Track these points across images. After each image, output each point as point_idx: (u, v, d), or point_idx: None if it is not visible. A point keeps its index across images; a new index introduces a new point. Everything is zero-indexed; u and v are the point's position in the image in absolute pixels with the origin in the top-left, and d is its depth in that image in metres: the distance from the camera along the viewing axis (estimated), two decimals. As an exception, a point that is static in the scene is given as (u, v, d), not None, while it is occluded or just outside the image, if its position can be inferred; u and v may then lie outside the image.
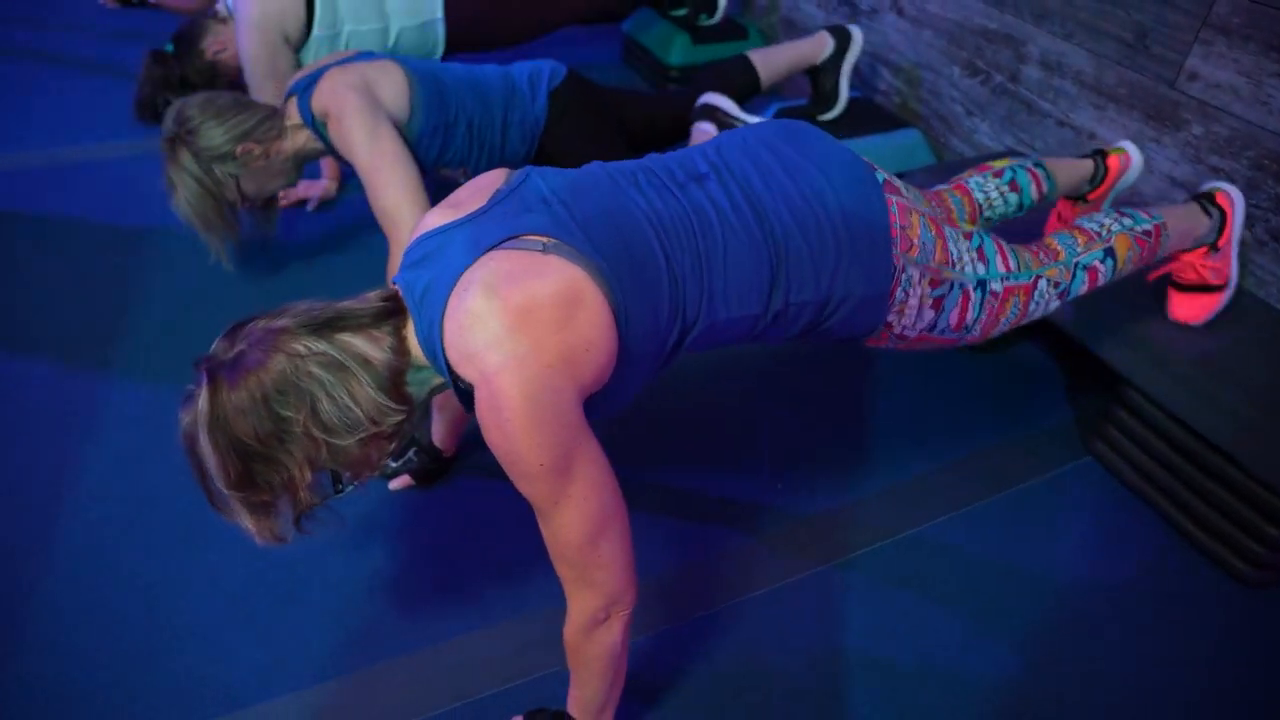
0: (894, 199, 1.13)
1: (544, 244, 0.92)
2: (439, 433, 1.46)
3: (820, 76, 2.26)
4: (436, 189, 1.72)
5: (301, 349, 0.88)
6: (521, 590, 1.33)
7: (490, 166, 1.87)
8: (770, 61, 2.17)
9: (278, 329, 0.89)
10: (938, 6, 2.26)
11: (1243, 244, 1.67)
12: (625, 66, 3.04)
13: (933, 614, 1.35)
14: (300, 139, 1.71)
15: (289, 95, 1.71)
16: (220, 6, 2.26)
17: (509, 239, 0.92)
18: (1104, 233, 1.34)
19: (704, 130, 1.98)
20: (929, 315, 1.16)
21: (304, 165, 1.78)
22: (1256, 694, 1.28)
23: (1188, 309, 1.56)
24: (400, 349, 0.94)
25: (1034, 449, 1.67)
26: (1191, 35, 1.70)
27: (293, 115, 1.69)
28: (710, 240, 1.01)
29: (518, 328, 0.86)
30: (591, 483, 0.90)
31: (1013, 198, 1.45)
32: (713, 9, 2.74)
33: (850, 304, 1.09)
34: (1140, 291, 1.62)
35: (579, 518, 0.90)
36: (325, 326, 0.90)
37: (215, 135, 1.61)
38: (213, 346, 0.90)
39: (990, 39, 2.13)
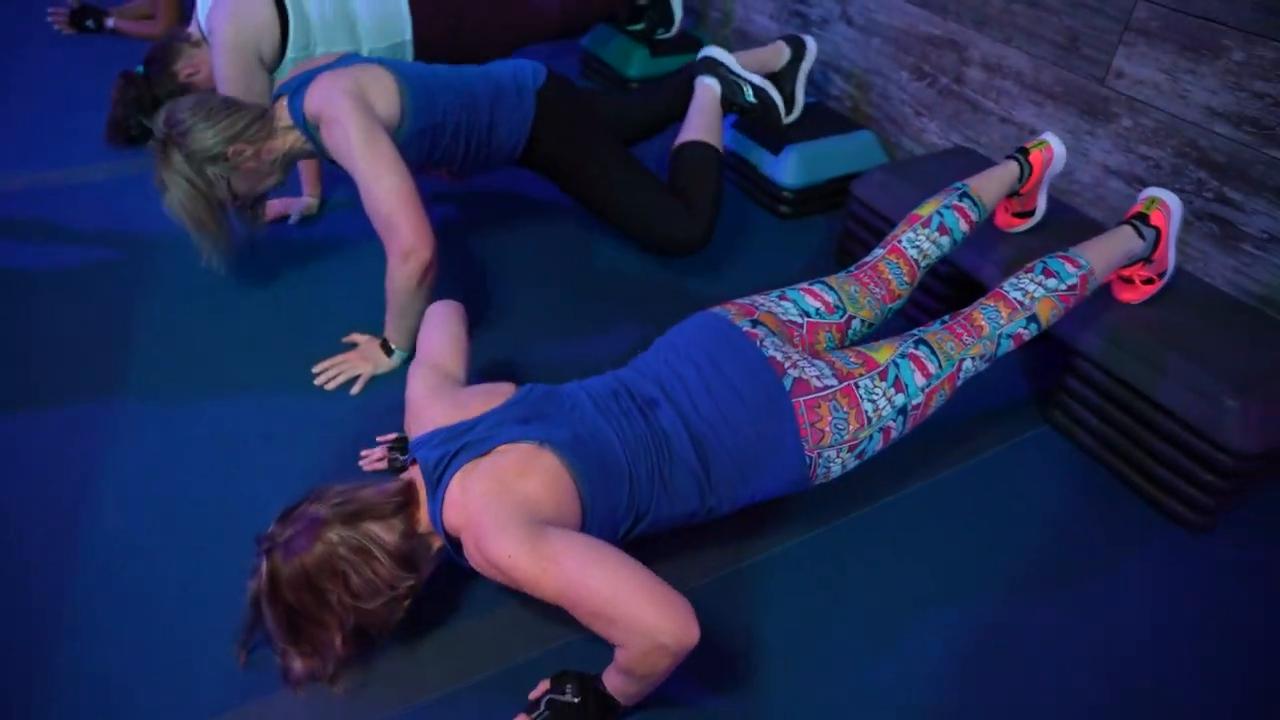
0: (800, 400, 1.31)
1: (539, 444, 1.19)
2: None
3: (777, 83, 2.38)
4: (425, 187, 1.80)
5: (335, 537, 1.14)
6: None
7: (477, 164, 1.95)
8: (749, 65, 2.28)
9: (319, 520, 1.15)
10: (885, 15, 2.42)
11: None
12: (584, 80, 3.14)
13: (911, 571, 1.47)
14: (290, 139, 1.74)
15: (278, 96, 1.76)
16: (193, 30, 2.30)
17: (508, 443, 1.19)
18: (1027, 301, 1.49)
19: (706, 85, 2.15)
20: (851, 462, 1.38)
21: (294, 165, 1.82)
22: (1210, 625, 1.42)
23: (1129, 295, 1.72)
24: (409, 532, 1.19)
25: (995, 421, 1.81)
26: (1116, 38, 1.87)
27: (283, 117, 1.73)
28: (661, 459, 1.27)
29: (503, 494, 1.13)
30: (565, 543, 1.09)
31: (944, 240, 1.60)
32: (670, 23, 2.86)
33: (773, 491, 1.35)
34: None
35: (564, 571, 1.07)
36: (354, 518, 1.16)
37: (206, 137, 1.64)
38: (270, 528, 1.16)
39: (935, 44, 2.29)
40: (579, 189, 2.06)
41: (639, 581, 1.04)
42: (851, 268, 1.59)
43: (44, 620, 1.29)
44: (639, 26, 2.92)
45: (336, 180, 2.35)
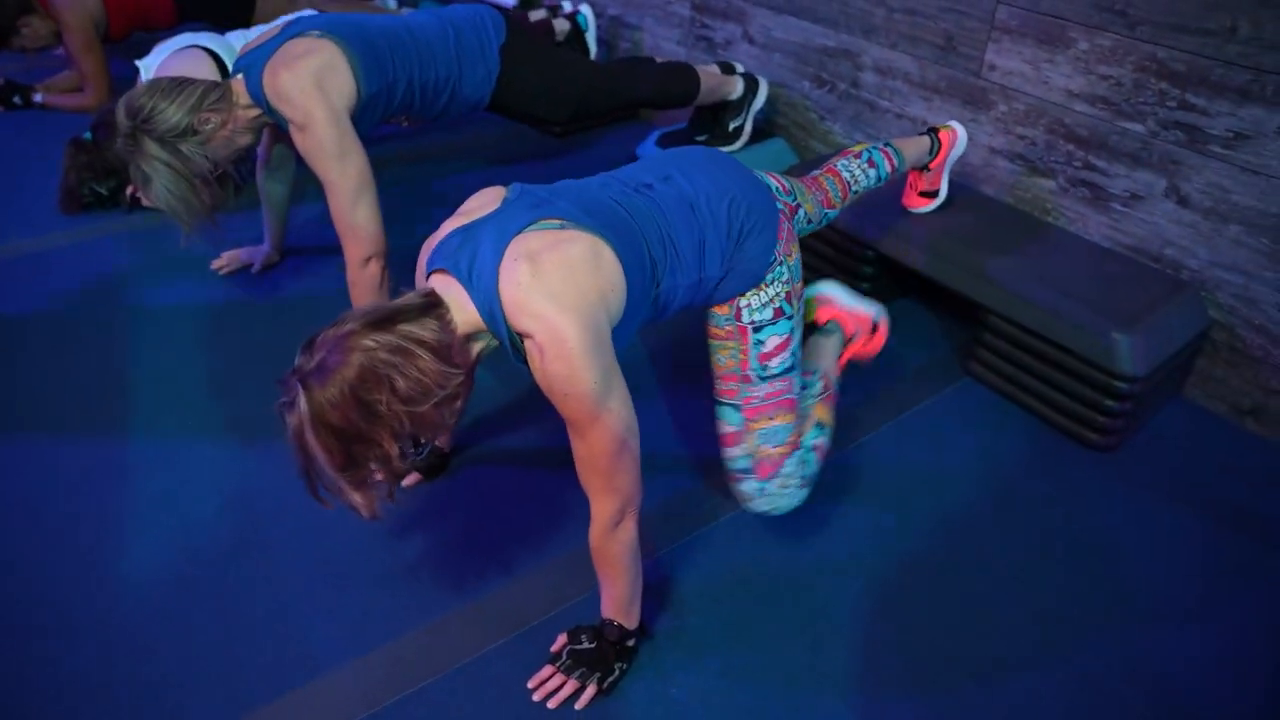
0: (784, 221, 1.45)
1: (560, 224, 1.19)
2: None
3: (726, 114, 2.56)
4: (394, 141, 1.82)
5: (371, 343, 1.07)
6: (540, 544, 1.57)
7: (436, 113, 2.02)
8: (707, 84, 2.43)
9: (347, 332, 1.08)
10: (782, 33, 2.68)
11: (1051, 192, 2.11)
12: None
13: (868, 512, 1.67)
14: (253, 113, 1.79)
15: (235, 72, 1.81)
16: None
17: (530, 224, 1.19)
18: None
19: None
20: (766, 315, 1.41)
21: (263, 128, 1.87)
22: (1124, 533, 1.66)
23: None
24: (445, 329, 1.14)
25: (921, 378, 2.04)
26: (985, 36, 2.14)
27: (241, 94, 1.78)
28: (665, 225, 1.31)
29: (564, 280, 1.13)
30: (622, 400, 1.18)
31: (871, 173, 1.82)
32: (586, 54, 3.07)
33: (737, 273, 1.38)
34: (982, 234, 2.03)
35: (613, 428, 1.16)
36: (385, 321, 1.10)
37: (170, 114, 1.67)
38: (296, 361, 1.09)
39: (830, 55, 2.55)
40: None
41: (636, 467, 1.23)
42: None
43: (91, 636, 1.39)
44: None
45: (298, 231, 2.47)
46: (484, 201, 1.30)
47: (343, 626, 1.42)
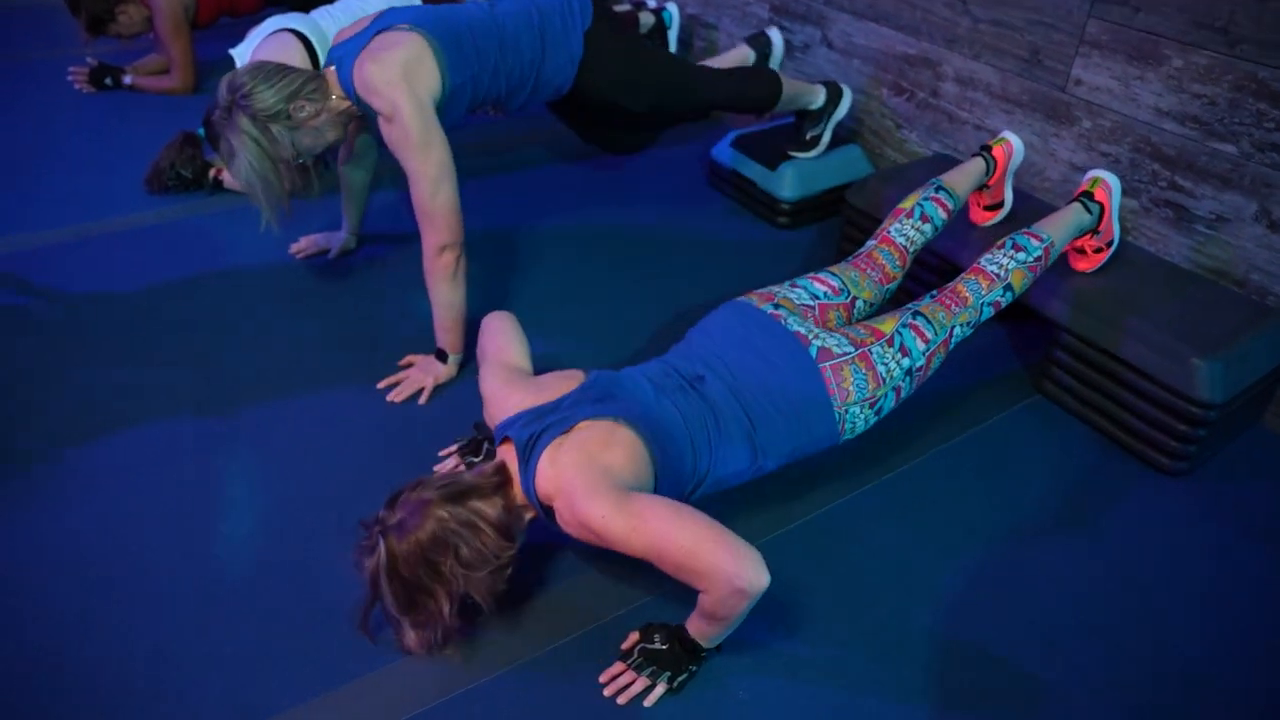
0: (826, 365, 1.53)
1: (615, 419, 1.37)
2: None
3: (809, 122, 2.56)
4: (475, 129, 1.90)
5: (445, 514, 1.28)
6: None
7: (523, 102, 2.06)
8: (788, 91, 2.43)
9: (426, 500, 1.29)
10: (862, 39, 2.66)
11: (1132, 212, 2.08)
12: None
13: (935, 525, 1.68)
14: (344, 105, 1.86)
15: (329, 64, 1.88)
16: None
17: (587, 419, 1.36)
18: (1002, 273, 1.74)
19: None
20: (872, 418, 1.59)
21: (350, 122, 1.93)
22: (1191, 560, 1.65)
23: (1083, 264, 1.97)
24: (508, 507, 1.35)
25: (994, 394, 2.03)
26: (1073, 50, 2.12)
27: (335, 85, 1.84)
28: (714, 425, 1.46)
29: (577, 453, 1.32)
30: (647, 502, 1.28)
31: (926, 227, 1.84)
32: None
33: (811, 445, 1.55)
34: (1063, 264, 2.01)
35: (654, 534, 1.25)
36: (460, 497, 1.31)
37: (268, 96, 1.75)
38: (380, 514, 1.31)
39: (911, 63, 2.54)
40: (601, 135, 2.27)
41: (715, 534, 1.23)
42: (849, 258, 1.81)
43: (176, 612, 1.46)
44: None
45: (374, 217, 2.53)
46: (559, 387, 1.47)
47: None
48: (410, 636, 1.33)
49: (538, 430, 1.37)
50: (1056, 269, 1.95)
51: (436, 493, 1.30)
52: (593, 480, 1.28)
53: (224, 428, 1.84)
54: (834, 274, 1.75)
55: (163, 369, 2.00)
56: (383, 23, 1.86)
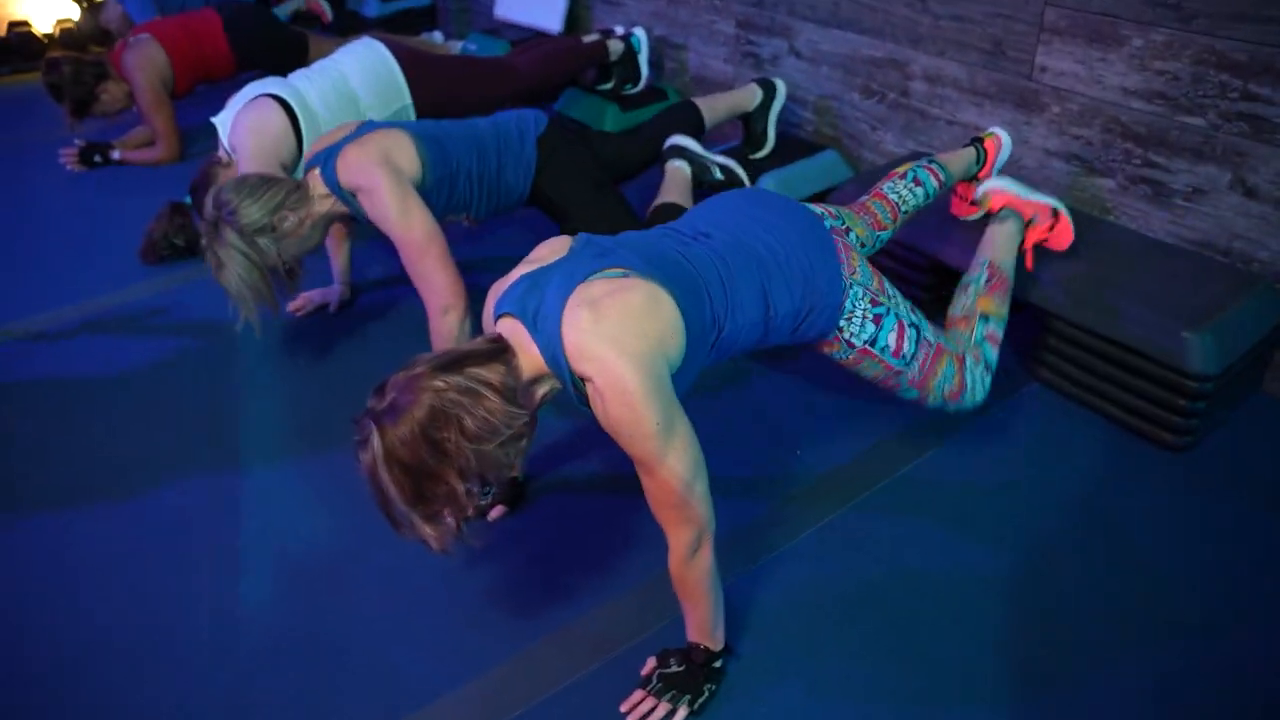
0: (839, 239, 1.52)
1: (623, 272, 1.26)
2: None
3: (751, 122, 2.64)
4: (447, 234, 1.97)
5: (440, 384, 1.14)
6: (621, 570, 1.62)
7: (491, 208, 2.14)
8: (712, 107, 2.52)
9: (417, 374, 1.15)
10: (829, 45, 2.69)
11: (1111, 191, 2.10)
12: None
13: (932, 531, 1.68)
14: (327, 204, 1.91)
15: (310, 167, 1.95)
16: (221, 154, 2.53)
17: (594, 273, 1.25)
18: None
19: (676, 167, 2.34)
20: (870, 328, 1.52)
21: (331, 225, 2.00)
22: (1202, 535, 1.65)
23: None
24: (511, 372, 1.21)
25: (991, 385, 2.03)
26: (1034, 38, 2.14)
27: (318, 186, 1.90)
28: (725, 270, 1.38)
29: (624, 326, 1.19)
30: (686, 436, 1.22)
31: (919, 190, 1.85)
32: (637, 78, 3.13)
33: (816, 310, 1.47)
34: (1045, 250, 2.02)
35: (681, 464, 1.21)
36: (454, 364, 1.17)
37: (253, 211, 1.81)
38: (368, 402, 1.16)
39: (878, 65, 2.56)
40: (573, 227, 2.28)
41: (707, 497, 1.26)
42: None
43: (194, 671, 1.48)
44: (607, 85, 3.18)
45: (363, 261, 2.57)
46: (552, 250, 1.37)
47: (433, 661, 1.48)
48: (428, 532, 1.16)
49: (542, 289, 1.25)
50: (1038, 255, 1.96)
51: (428, 365, 1.16)
52: (651, 379, 1.17)
53: (236, 491, 1.87)
54: (830, 206, 1.72)
55: (174, 435, 2.03)
56: (365, 129, 1.95)
